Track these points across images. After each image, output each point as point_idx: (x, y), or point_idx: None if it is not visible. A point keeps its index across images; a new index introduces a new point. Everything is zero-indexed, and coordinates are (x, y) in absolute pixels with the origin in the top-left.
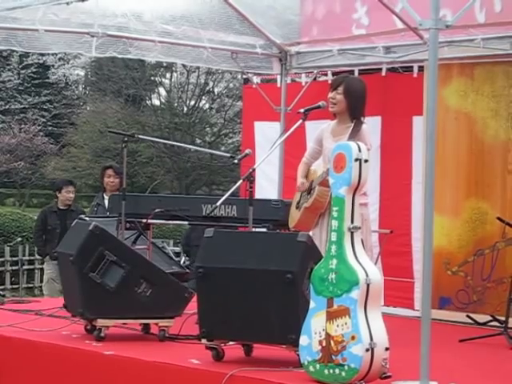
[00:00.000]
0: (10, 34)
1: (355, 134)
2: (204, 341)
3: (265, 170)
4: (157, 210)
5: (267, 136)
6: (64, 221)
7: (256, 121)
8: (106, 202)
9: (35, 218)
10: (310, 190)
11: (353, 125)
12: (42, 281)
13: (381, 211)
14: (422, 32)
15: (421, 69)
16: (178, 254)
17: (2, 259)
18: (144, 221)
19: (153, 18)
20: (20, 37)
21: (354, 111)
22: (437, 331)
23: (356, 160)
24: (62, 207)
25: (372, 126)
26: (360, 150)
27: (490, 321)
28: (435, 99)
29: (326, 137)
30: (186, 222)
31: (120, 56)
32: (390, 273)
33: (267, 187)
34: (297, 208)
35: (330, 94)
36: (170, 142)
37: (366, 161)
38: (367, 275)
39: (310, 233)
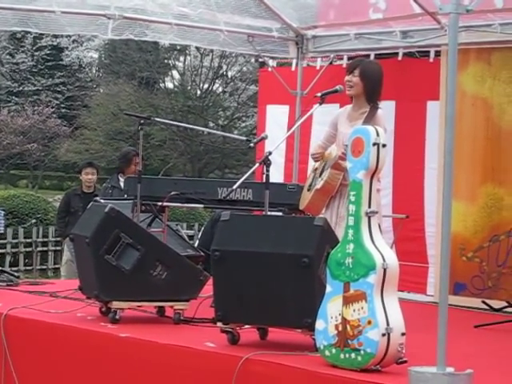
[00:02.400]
0: (26, 16)
1: (370, 119)
2: (219, 324)
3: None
4: (172, 193)
5: (276, 119)
6: (87, 204)
7: (268, 104)
8: (122, 184)
9: (49, 199)
10: (321, 173)
11: (368, 110)
12: (55, 263)
13: (394, 196)
14: (439, 17)
15: (437, 54)
16: (191, 237)
17: (15, 241)
18: (159, 203)
19: (169, 1)
20: (36, 18)
21: (371, 95)
22: (452, 317)
23: (374, 144)
24: (86, 190)
25: (386, 110)
26: (378, 135)
27: (506, 307)
28: (455, 84)
29: (342, 121)
30: (202, 205)
31: (136, 38)
32: (404, 258)
33: (272, 170)
34: (308, 190)
35: (347, 77)
36: (185, 125)
37: (383, 145)
38: (384, 260)
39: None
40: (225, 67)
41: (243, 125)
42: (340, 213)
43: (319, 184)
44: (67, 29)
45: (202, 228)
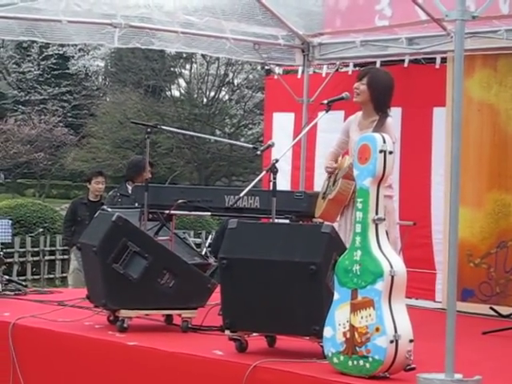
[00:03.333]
0: (32, 25)
1: (379, 128)
2: (227, 332)
3: None
4: (179, 201)
5: (282, 126)
6: (94, 213)
7: (275, 112)
8: (131, 192)
9: (56, 208)
10: (334, 181)
11: (378, 118)
12: (63, 272)
13: (401, 203)
14: (445, 23)
15: (443, 60)
16: (198, 245)
17: (23, 250)
18: (167, 212)
19: (175, 9)
20: (42, 27)
21: (378, 103)
22: (460, 323)
23: (381, 151)
24: (92, 199)
25: (392, 117)
26: (385, 142)
27: None
28: (461, 91)
29: (353, 129)
30: (209, 213)
31: (143, 47)
32: (411, 264)
33: (278, 178)
34: (323, 198)
35: (355, 84)
36: (191, 133)
37: (390, 152)
38: (392, 267)
39: (336, 224)
40: (231, 75)
41: (250, 132)
42: (353, 220)
43: (332, 194)
44: (74, 38)
45: (214, 235)
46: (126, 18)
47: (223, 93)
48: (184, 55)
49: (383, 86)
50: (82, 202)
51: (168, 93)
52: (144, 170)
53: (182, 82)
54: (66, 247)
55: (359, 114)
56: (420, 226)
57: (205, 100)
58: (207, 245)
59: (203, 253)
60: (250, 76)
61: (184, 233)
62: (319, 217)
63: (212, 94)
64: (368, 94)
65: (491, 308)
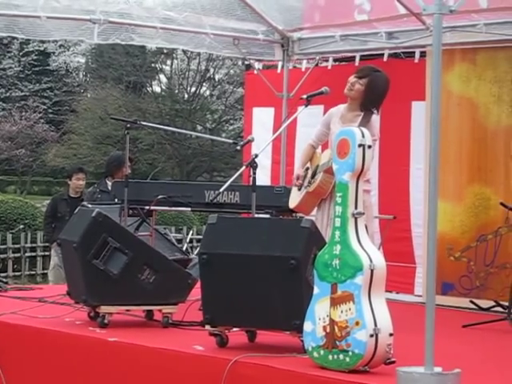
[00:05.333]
0: (11, 21)
1: (365, 125)
2: (208, 327)
3: None
4: (160, 197)
5: (262, 121)
6: (74, 209)
7: (255, 107)
8: (110, 188)
9: (37, 205)
10: (314, 174)
11: (363, 114)
12: (44, 268)
13: (380, 197)
14: (424, 17)
15: (423, 54)
16: (179, 241)
17: (3, 246)
18: (147, 207)
19: (155, 5)
20: (22, 24)
21: (367, 104)
22: (440, 317)
23: (360, 146)
24: (72, 195)
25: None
26: (363, 136)
27: (494, 306)
28: (439, 85)
29: (334, 121)
30: (189, 209)
31: (123, 43)
32: (391, 258)
33: (258, 173)
34: (299, 190)
35: (351, 79)
36: (171, 129)
37: (369, 146)
38: (371, 261)
39: (313, 217)
40: (212, 70)
41: (231, 128)
42: (331, 214)
43: (311, 187)
44: (53, 34)
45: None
46: (105, 14)
47: (204, 88)
48: (165, 51)
49: (379, 93)
50: (62, 198)
51: (149, 88)
52: (123, 165)
53: (162, 77)
54: (46, 244)
55: (341, 106)
56: (400, 219)
57: (186, 96)
58: (188, 240)
59: (184, 248)
60: (231, 71)
61: (165, 228)
62: (294, 208)
63: (193, 89)
64: (362, 94)
65: (471, 301)
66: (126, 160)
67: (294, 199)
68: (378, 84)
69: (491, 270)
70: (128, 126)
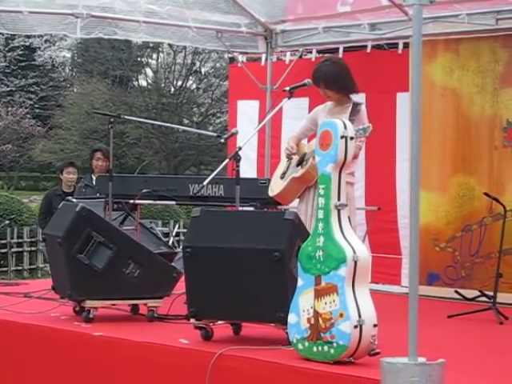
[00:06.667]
0: None
1: (356, 114)
2: (192, 320)
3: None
4: (144, 191)
5: (247, 114)
6: None
7: (239, 100)
8: (95, 183)
9: (24, 200)
10: (300, 162)
11: (351, 105)
12: (31, 263)
13: (366, 188)
14: (406, 8)
15: (406, 45)
16: (166, 235)
17: None
18: (131, 201)
19: None
20: (4, 19)
21: (346, 90)
22: (425, 307)
23: (342, 137)
24: (66, 190)
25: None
26: (346, 128)
27: (479, 296)
28: (420, 76)
29: (322, 117)
30: (174, 202)
31: (106, 37)
32: (377, 249)
33: (244, 166)
34: (282, 178)
35: (321, 92)
36: (155, 123)
37: (351, 138)
38: (354, 252)
39: (295, 209)
40: (198, 64)
41: (218, 121)
42: (315, 205)
43: (299, 173)
44: (36, 29)
45: None
46: (87, 8)
47: (190, 82)
48: (151, 45)
49: (339, 75)
50: (56, 194)
51: (135, 83)
52: (93, 157)
53: (149, 71)
54: (33, 239)
55: (328, 103)
56: (386, 211)
57: (172, 89)
58: (174, 234)
59: (170, 242)
60: (217, 64)
61: (151, 222)
62: (275, 196)
63: (179, 83)
64: (334, 92)
65: (456, 292)
66: (111, 154)
67: (276, 187)
68: (330, 71)
69: (476, 260)
70: (112, 120)
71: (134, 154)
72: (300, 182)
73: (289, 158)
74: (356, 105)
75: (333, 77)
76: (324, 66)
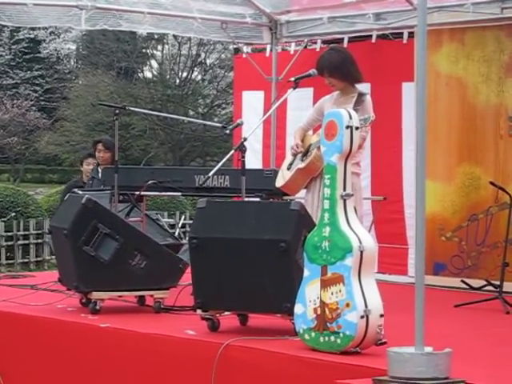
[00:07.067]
0: None
1: (360, 104)
2: (199, 311)
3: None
4: (150, 182)
5: (253, 105)
6: None
7: (244, 90)
8: (101, 175)
9: (30, 193)
10: (306, 153)
11: (356, 95)
12: (37, 256)
13: (372, 178)
14: None
15: (411, 35)
16: (172, 226)
17: None
18: (137, 193)
19: None
20: (9, 11)
21: (350, 78)
22: (432, 297)
23: (347, 127)
24: (86, 181)
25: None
26: (351, 118)
27: (485, 285)
28: (425, 66)
29: (328, 107)
30: (180, 194)
31: (111, 29)
32: (384, 239)
33: (250, 157)
34: (288, 169)
35: (325, 80)
36: (161, 114)
37: (356, 128)
38: (360, 242)
39: (302, 200)
40: (203, 55)
41: (223, 112)
42: (321, 196)
43: (303, 163)
44: (41, 21)
45: None
46: (92, 0)
47: (196, 73)
48: (156, 36)
49: (344, 63)
50: (77, 185)
51: (140, 74)
52: (95, 149)
53: (154, 63)
54: (39, 231)
55: (334, 93)
56: (392, 200)
57: (177, 81)
58: (180, 225)
59: (177, 233)
60: (223, 56)
61: (157, 214)
62: (281, 187)
63: (184, 74)
64: (340, 80)
65: (463, 281)
66: (116, 146)
67: (282, 178)
68: (334, 59)
69: (482, 250)
70: (117, 112)
71: (139, 145)
72: (304, 173)
73: (294, 155)
74: (361, 95)
75: (337, 64)
76: (327, 55)
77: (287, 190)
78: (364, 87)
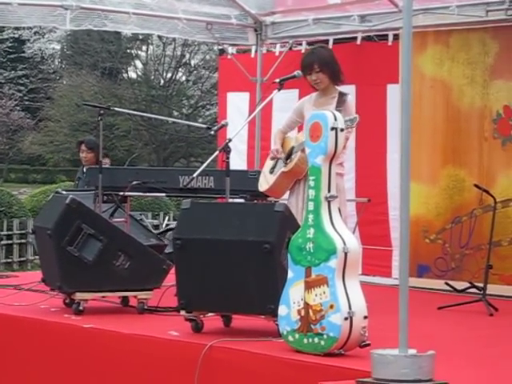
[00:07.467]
0: None
1: (342, 104)
2: (183, 312)
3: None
4: (134, 183)
5: (237, 106)
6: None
7: (229, 91)
8: (85, 175)
9: (13, 192)
10: (289, 156)
11: (337, 96)
12: (20, 256)
13: (357, 180)
14: (396, 0)
15: (396, 37)
16: (156, 227)
17: None
18: (121, 193)
19: None
20: None
21: (336, 77)
22: (415, 299)
23: (332, 129)
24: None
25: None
26: (336, 119)
27: (469, 288)
28: (410, 68)
29: (308, 108)
30: (164, 194)
31: (96, 29)
32: (368, 241)
33: (234, 158)
34: (271, 172)
35: (310, 77)
36: (145, 115)
37: (341, 129)
38: (345, 244)
39: (286, 202)
40: (188, 56)
41: (207, 113)
42: (305, 198)
43: (287, 166)
44: (25, 20)
45: None
46: (77, 0)
47: (180, 74)
48: (140, 37)
49: (333, 60)
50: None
51: (125, 75)
52: (78, 150)
53: (138, 63)
54: (23, 231)
55: (313, 94)
56: (376, 202)
57: (162, 81)
58: (164, 226)
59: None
60: (207, 56)
61: (141, 214)
62: (266, 191)
63: (169, 75)
64: (327, 77)
65: (446, 283)
66: (100, 146)
67: (265, 182)
68: (325, 54)
69: (466, 252)
70: (101, 112)
71: (123, 146)
72: (289, 176)
73: (274, 159)
74: (342, 95)
75: (328, 60)
76: (317, 51)
77: (272, 193)
78: (349, 89)
